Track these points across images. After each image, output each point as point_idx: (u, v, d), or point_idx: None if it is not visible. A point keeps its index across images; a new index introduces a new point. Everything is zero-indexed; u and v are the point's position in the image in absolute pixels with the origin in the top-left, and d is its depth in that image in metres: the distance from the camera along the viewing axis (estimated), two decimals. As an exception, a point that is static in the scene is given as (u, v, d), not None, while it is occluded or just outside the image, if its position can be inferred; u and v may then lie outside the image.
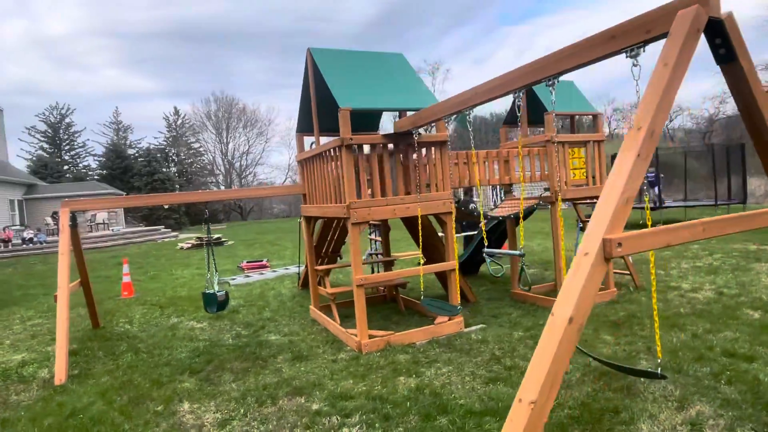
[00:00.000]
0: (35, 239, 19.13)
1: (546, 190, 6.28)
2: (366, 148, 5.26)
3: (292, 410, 3.74)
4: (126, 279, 9.04)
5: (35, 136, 47.51)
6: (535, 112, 6.87)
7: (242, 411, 3.78)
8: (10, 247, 18.48)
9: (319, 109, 5.81)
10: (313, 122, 5.88)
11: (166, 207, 34.51)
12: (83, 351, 5.57)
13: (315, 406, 3.78)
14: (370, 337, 5.11)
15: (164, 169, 43.04)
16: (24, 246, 18.69)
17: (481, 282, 8.37)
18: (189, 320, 6.81)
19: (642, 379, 3.90)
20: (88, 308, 6.42)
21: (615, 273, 7.48)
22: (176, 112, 52.74)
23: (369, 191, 5.23)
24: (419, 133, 5.13)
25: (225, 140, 54.56)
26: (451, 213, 5.46)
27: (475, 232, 9.64)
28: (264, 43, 77.69)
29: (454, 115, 4.42)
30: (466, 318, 5.84)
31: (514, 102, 7.04)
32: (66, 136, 49.28)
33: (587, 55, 2.69)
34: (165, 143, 50.89)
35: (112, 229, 21.07)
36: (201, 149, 53.65)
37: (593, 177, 6.61)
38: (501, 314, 6.13)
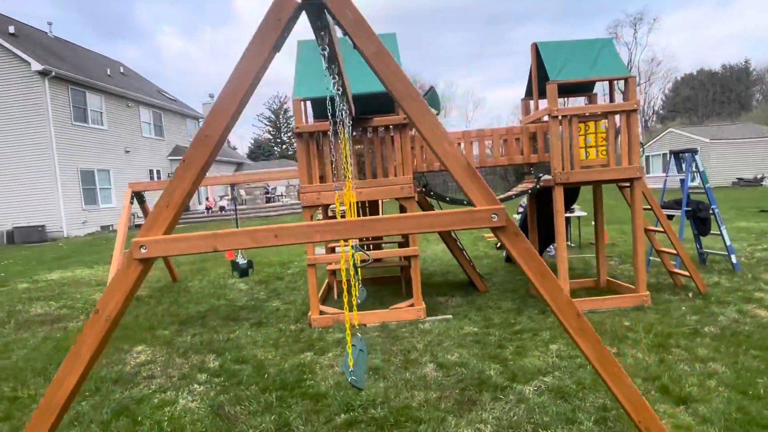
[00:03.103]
0: (227, 207, 23.88)
1: (547, 172, 5.49)
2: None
3: (193, 365, 4.42)
4: (228, 244, 10.92)
5: (263, 122, 58.06)
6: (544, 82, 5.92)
7: (164, 359, 4.62)
8: (209, 213, 23.55)
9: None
10: (323, 110, 6.23)
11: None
12: (144, 297, 7.23)
13: (211, 365, 4.39)
14: (322, 313, 5.44)
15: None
16: (219, 213, 23.57)
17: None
18: (240, 282, 8.05)
19: (502, 398, 3.44)
20: (166, 265, 8.17)
21: (678, 274, 6.06)
22: (368, 94, 57.69)
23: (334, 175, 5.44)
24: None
25: (407, 118, 57.61)
26: (411, 198, 5.32)
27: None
28: (464, 20, 78.46)
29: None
30: (456, 306, 5.71)
31: (530, 72, 6.25)
32: (284, 120, 58.86)
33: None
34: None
35: (282, 201, 24.87)
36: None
37: (626, 154, 5.46)
38: (489, 307, 5.69)
